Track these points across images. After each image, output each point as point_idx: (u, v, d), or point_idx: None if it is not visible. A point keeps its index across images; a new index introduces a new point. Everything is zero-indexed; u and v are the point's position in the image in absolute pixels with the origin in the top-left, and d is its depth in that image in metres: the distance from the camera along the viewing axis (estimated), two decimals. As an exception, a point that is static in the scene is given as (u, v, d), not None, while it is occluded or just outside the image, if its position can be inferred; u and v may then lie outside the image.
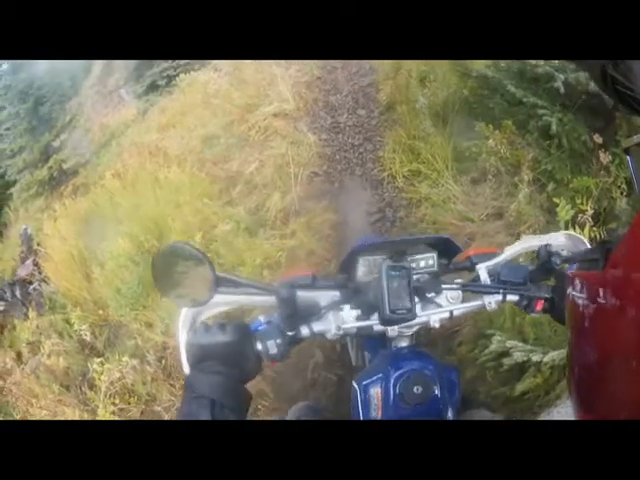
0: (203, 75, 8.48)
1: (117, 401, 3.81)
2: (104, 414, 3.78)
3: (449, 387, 1.35)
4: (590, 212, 3.02)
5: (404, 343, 1.44)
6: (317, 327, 1.32)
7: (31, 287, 6.12)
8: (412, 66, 5.19)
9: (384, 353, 1.51)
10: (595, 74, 0.96)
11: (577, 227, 2.96)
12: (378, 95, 5.56)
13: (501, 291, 1.38)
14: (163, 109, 9.07)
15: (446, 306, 1.36)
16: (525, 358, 2.56)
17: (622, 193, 3.19)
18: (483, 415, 1.50)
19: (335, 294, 1.41)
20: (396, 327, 1.33)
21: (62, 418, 3.92)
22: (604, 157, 3.17)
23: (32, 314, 5.66)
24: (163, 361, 3.96)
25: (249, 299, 1.36)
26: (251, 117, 5.94)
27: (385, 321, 1.26)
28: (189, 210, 4.87)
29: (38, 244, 6.58)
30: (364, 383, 1.37)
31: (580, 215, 3.03)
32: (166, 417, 3.61)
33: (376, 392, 1.34)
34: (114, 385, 3.87)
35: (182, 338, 1.31)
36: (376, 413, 1.34)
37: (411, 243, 1.42)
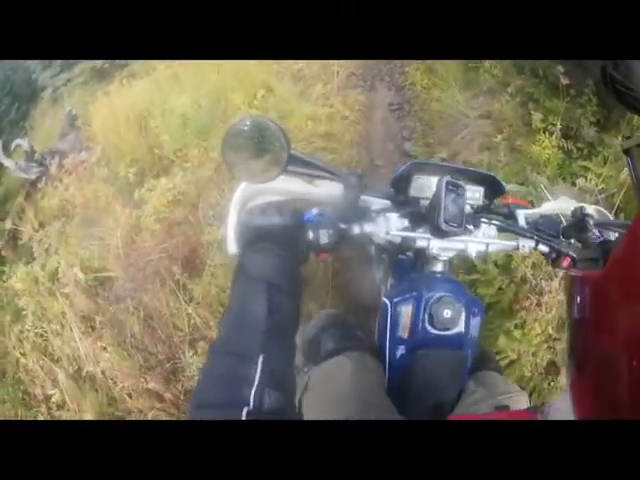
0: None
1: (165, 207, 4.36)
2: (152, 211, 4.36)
3: (473, 320, 1.38)
4: (559, 127, 3.99)
5: (438, 268, 1.44)
6: (368, 227, 1.34)
7: (71, 156, 6.05)
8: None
9: (417, 274, 1.51)
10: (595, 74, 0.94)
11: (547, 133, 4.04)
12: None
13: (535, 238, 1.42)
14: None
15: (482, 239, 1.39)
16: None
17: (591, 124, 4.08)
18: (493, 377, 1.57)
19: (386, 202, 1.45)
20: (439, 245, 1.34)
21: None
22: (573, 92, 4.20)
23: (68, 180, 5.80)
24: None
25: (308, 189, 1.38)
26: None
27: (437, 231, 1.26)
28: (249, 78, 5.65)
29: (82, 123, 6.60)
30: (395, 300, 1.39)
31: (550, 126, 4.05)
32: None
33: (407, 311, 1.36)
34: (165, 194, 4.43)
35: (232, 219, 1.31)
36: (403, 333, 1.38)
37: (464, 172, 1.41)
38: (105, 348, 3.69)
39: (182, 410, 3.42)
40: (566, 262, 1.40)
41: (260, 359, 0.96)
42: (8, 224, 5.82)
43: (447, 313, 1.31)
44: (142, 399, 3.47)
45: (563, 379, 2.85)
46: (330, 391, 1.50)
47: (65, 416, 3.65)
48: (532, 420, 0.75)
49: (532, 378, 2.89)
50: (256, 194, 1.36)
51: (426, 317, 1.33)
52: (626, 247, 0.60)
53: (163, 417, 3.38)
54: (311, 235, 1.25)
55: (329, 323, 1.96)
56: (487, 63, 4.94)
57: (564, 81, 4.17)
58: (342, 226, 1.30)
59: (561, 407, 0.73)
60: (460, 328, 1.34)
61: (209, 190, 4.37)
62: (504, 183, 1.45)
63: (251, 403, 0.90)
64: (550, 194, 3.15)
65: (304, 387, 1.60)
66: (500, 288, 3.17)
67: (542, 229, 1.44)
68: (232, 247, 1.26)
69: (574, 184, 3.70)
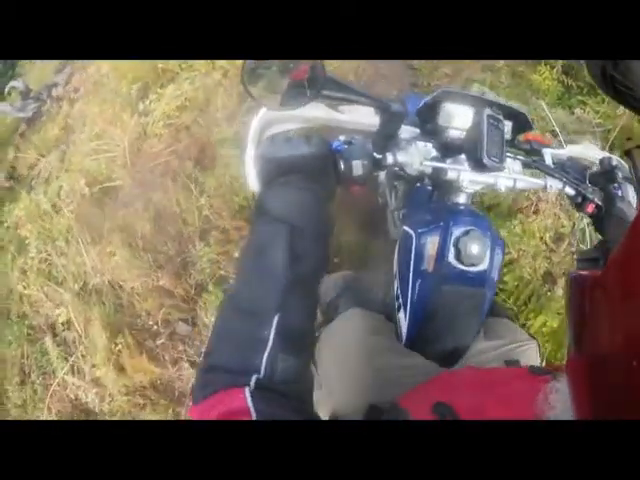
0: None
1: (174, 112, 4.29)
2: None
3: (496, 258, 1.31)
4: (561, 63, 3.83)
5: (462, 199, 1.37)
6: (401, 157, 1.24)
7: (67, 87, 5.83)
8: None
9: (439, 205, 1.44)
10: (595, 74, 0.92)
11: (549, 66, 3.85)
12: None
13: (563, 180, 1.37)
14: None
15: (511, 175, 1.33)
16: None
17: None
18: (502, 323, 1.54)
19: (415, 130, 1.35)
20: (470, 177, 1.27)
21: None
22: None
23: (66, 108, 5.53)
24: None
25: (335, 116, 1.26)
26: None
27: (478, 165, 1.22)
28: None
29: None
30: (420, 230, 1.32)
31: (552, 61, 3.85)
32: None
33: (433, 242, 1.29)
34: (174, 101, 4.33)
35: (250, 151, 1.20)
36: (428, 266, 1.30)
37: (495, 104, 1.31)
38: (113, 253, 3.76)
39: (192, 305, 3.51)
40: (590, 208, 1.38)
41: (275, 319, 0.88)
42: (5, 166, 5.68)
43: (475, 248, 1.24)
44: (151, 299, 3.57)
45: (559, 290, 2.93)
46: (343, 341, 1.47)
47: (72, 336, 3.77)
48: (533, 420, 0.77)
49: (531, 281, 2.96)
50: (275, 122, 1.25)
51: (452, 251, 1.26)
52: (626, 247, 0.60)
53: (175, 314, 3.51)
54: (343, 166, 1.15)
55: (346, 287, 1.89)
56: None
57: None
58: (377, 156, 1.22)
59: (562, 388, 0.74)
60: (484, 265, 1.27)
61: (217, 95, 4.25)
62: (532, 120, 1.38)
63: (262, 371, 0.83)
64: (551, 115, 3.17)
65: (316, 338, 1.56)
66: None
67: (569, 171, 1.40)
68: (253, 183, 1.15)
69: (572, 113, 3.66)
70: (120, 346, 3.46)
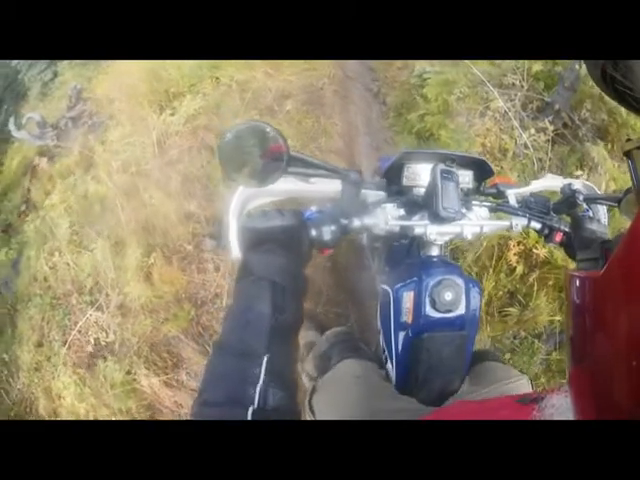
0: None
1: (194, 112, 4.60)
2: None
3: (473, 300, 1.33)
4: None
5: (434, 252, 1.40)
6: (367, 220, 1.29)
7: (82, 120, 5.81)
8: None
9: (414, 260, 1.46)
10: (595, 74, 0.90)
11: None
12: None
13: (527, 216, 1.40)
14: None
15: (477, 222, 1.32)
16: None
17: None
18: (491, 366, 1.55)
19: (380, 193, 1.38)
20: (436, 230, 1.31)
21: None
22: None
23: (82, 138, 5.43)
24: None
25: (305, 187, 1.31)
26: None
27: (436, 217, 1.24)
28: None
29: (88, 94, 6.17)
30: (397, 286, 1.34)
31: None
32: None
33: (408, 296, 1.31)
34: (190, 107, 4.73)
35: (232, 223, 1.27)
36: (407, 318, 1.33)
37: (453, 157, 1.36)
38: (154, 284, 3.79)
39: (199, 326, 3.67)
40: (559, 237, 1.41)
41: (265, 359, 0.93)
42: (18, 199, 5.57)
43: (448, 295, 1.27)
44: (182, 226, 3.91)
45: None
46: (338, 390, 1.51)
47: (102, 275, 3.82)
48: (532, 420, 0.75)
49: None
50: (253, 197, 1.33)
51: (427, 301, 1.28)
52: (626, 247, 0.57)
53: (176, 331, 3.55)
54: (314, 233, 1.21)
55: (337, 340, 1.97)
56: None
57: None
58: (343, 221, 1.26)
59: (556, 403, 0.73)
60: (461, 309, 1.30)
61: (226, 103, 4.67)
62: (492, 166, 1.37)
63: (256, 402, 0.88)
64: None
65: (312, 390, 1.60)
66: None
67: (533, 207, 1.42)
68: (235, 251, 1.23)
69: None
70: (152, 260, 3.63)
